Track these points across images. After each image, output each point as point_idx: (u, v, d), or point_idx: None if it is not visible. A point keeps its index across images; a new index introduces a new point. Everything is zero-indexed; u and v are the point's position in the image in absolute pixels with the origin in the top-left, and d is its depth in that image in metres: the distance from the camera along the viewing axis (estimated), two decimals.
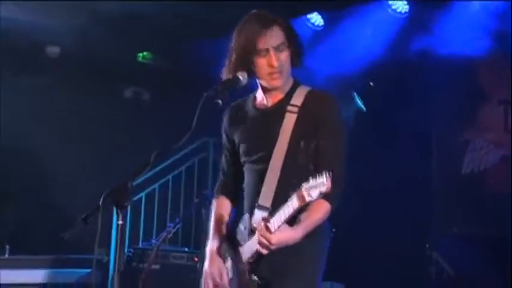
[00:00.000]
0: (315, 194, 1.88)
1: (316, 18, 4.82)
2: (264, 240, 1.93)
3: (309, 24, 4.83)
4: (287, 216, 1.93)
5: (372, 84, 4.66)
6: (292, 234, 1.99)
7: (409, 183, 4.41)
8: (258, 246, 1.98)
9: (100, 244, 1.79)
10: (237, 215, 2.36)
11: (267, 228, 1.92)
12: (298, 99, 2.24)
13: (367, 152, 4.51)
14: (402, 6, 4.65)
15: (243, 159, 2.29)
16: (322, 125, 2.19)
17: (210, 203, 2.64)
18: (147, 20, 4.63)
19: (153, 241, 3.88)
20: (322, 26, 4.84)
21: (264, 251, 1.96)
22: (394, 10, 4.64)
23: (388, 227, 4.34)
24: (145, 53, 4.94)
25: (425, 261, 3.99)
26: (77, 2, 4.39)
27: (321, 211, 2.09)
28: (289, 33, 2.17)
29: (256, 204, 2.15)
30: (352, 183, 2.18)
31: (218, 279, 2.19)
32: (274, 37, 2.11)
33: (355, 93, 4.66)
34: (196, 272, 3.65)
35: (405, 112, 4.45)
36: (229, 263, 2.23)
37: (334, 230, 3.01)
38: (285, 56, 2.11)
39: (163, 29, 4.76)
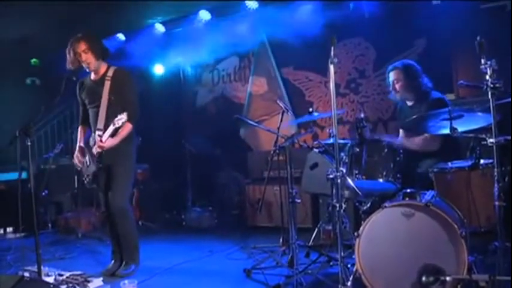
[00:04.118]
0: (120, 122, 3.69)
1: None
2: (99, 145, 3.76)
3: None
4: (110, 133, 3.75)
5: None
6: (113, 141, 3.79)
7: None
8: (97, 148, 3.80)
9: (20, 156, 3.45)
10: (90, 133, 4.06)
11: (101, 140, 3.76)
12: (110, 73, 3.93)
13: None
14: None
15: (87, 106, 4.05)
16: (123, 86, 3.90)
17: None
18: None
19: (50, 154, 6.35)
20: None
21: (100, 149, 3.80)
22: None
23: None
24: (35, 59, 7.35)
25: None
26: None
27: (126, 129, 3.85)
28: (90, 44, 3.87)
29: (97, 128, 3.88)
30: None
31: (79, 162, 4.04)
32: (82, 46, 3.84)
33: None
34: (73, 167, 6.82)
35: None
36: (87, 156, 4.00)
37: (140, 138, 5.85)
38: (89, 55, 3.86)
39: None
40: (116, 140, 3.85)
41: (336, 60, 2.97)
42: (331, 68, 2.99)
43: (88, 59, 3.90)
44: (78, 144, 4.12)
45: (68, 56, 3.92)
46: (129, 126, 3.90)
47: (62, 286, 3.57)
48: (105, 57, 4.03)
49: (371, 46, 6.03)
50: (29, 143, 3.25)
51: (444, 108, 3.20)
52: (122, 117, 3.70)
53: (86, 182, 4.07)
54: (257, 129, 6.59)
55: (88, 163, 4.00)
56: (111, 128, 3.77)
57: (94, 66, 3.96)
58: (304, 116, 4.62)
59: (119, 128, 3.79)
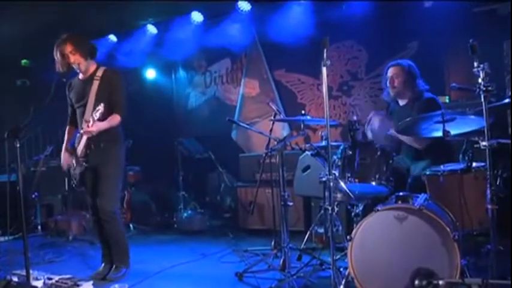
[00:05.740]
0: (98, 114, 3.58)
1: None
2: (86, 130, 3.60)
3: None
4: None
5: None
6: (101, 125, 3.65)
7: None
8: (84, 132, 3.67)
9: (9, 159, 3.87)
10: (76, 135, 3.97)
11: (88, 126, 3.58)
12: (99, 73, 3.90)
13: None
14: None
15: (74, 106, 4.02)
16: (112, 86, 3.86)
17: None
18: None
19: (40, 156, 6.30)
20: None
21: (89, 134, 3.64)
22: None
23: None
24: (25, 60, 7.31)
25: None
26: None
27: (115, 119, 3.79)
28: (75, 45, 3.81)
29: (82, 128, 3.75)
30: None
31: (65, 162, 3.95)
32: (68, 47, 3.78)
33: None
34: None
35: None
36: (73, 159, 3.93)
37: (131, 141, 5.86)
38: (76, 56, 3.83)
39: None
40: (104, 125, 3.73)
41: (328, 62, 2.96)
42: (324, 70, 2.97)
43: (76, 59, 3.86)
44: (64, 145, 4.04)
45: (55, 59, 3.86)
46: (117, 118, 3.83)
47: None
48: (93, 55, 3.96)
49: (363, 49, 6.03)
50: (18, 145, 3.20)
51: (436, 108, 3.21)
52: (99, 109, 3.61)
53: (74, 185, 4.02)
54: (249, 132, 6.56)
55: (74, 165, 3.95)
56: (91, 122, 3.68)
57: (84, 66, 3.92)
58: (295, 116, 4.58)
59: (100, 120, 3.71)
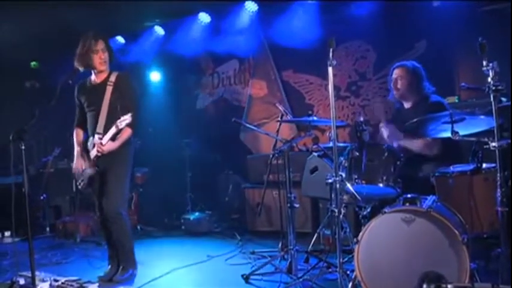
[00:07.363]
0: (123, 123, 3.68)
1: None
2: (99, 148, 3.75)
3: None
4: (110, 136, 3.74)
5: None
6: (113, 145, 3.79)
7: None
8: (96, 151, 3.80)
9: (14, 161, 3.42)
10: (86, 136, 4.03)
11: (101, 143, 3.76)
12: (112, 79, 3.91)
13: None
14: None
15: (85, 110, 4.01)
16: (125, 92, 3.89)
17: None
18: None
19: (49, 157, 6.44)
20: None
21: (99, 153, 3.79)
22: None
23: None
24: (34, 62, 7.40)
25: None
26: None
27: (126, 133, 3.83)
28: (107, 44, 4.00)
29: (96, 132, 3.86)
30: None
31: (80, 167, 3.94)
32: (100, 44, 3.97)
33: None
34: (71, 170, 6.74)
35: None
36: (87, 161, 3.93)
37: (139, 141, 5.85)
38: (106, 54, 3.98)
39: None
40: (115, 144, 3.81)
41: (334, 62, 2.94)
42: (330, 70, 2.94)
43: (106, 58, 3.90)
44: (76, 149, 4.01)
45: (78, 55, 3.84)
46: (129, 131, 3.86)
47: None
48: (112, 59, 4.01)
49: (371, 48, 5.97)
50: (23, 147, 3.19)
51: (442, 111, 3.14)
52: (126, 119, 3.66)
53: (80, 186, 3.99)
54: (257, 132, 6.52)
55: (84, 167, 3.94)
56: (113, 130, 3.73)
57: (106, 66, 3.94)
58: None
59: (121, 129, 3.75)
